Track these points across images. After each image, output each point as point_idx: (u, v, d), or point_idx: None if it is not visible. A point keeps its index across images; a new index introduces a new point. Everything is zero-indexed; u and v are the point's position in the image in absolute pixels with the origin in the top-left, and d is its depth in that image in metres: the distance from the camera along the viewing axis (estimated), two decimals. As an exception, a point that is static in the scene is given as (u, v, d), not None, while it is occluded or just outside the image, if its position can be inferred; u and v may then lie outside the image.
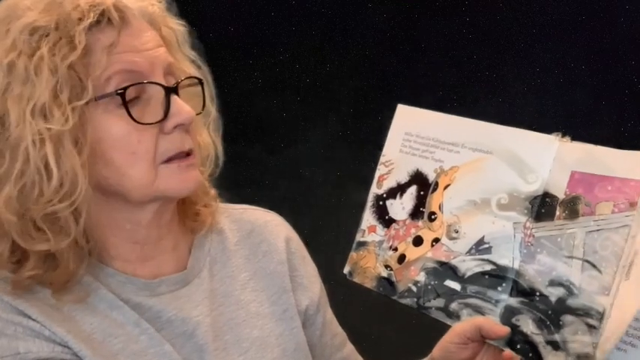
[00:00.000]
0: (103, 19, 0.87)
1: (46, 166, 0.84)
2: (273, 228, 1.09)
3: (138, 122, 0.88)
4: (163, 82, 0.90)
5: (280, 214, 1.15)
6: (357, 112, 2.27)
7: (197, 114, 0.94)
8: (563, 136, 0.90)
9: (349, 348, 1.16)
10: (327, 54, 2.25)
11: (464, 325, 0.94)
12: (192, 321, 0.95)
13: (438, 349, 0.97)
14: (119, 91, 0.87)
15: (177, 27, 0.96)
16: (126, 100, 0.87)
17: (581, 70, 2.10)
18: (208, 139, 0.99)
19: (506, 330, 0.91)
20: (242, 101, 2.28)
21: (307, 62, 2.26)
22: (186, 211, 1.02)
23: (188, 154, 0.92)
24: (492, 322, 0.93)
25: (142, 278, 0.95)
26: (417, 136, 1.01)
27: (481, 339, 0.94)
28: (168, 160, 0.91)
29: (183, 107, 0.91)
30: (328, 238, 2.19)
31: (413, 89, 2.21)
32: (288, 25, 2.24)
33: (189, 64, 0.96)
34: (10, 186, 0.85)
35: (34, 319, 0.87)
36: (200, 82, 0.96)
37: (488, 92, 2.12)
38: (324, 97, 2.27)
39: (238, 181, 2.21)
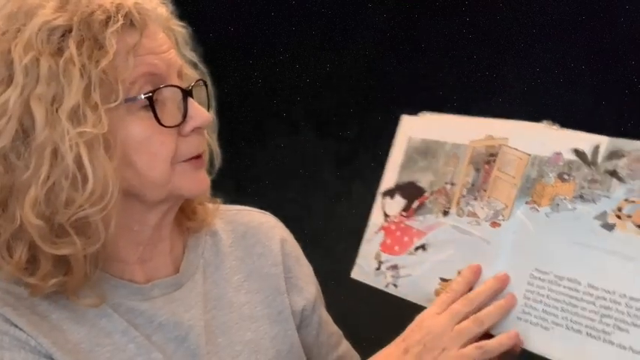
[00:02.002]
0: (126, 21, 0.87)
1: (80, 170, 0.83)
2: (268, 230, 1.09)
3: (163, 125, 0.88)
4: (180, 85, 0.91)
5: (281, 214, 1.15)
6: (358, 112, 2.27)
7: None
8: (553, 123, 0.94)
9: (345, 346, 1.16)
10: (327, 54, 2.25)
11: None
12: (184, 325, 0.95)
13: None
14: (147, 95, 0.87)
15: (178, 28, 0.96)
16: (153, 103, 0.87)
17: (581, 70, 2.10)
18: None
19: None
20: (242, 101, 2.27)
21: (307, 62, 2.26)
22: (183, 210, 1.02)
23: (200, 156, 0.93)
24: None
25: (137, 281, 0.95)
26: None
27: None
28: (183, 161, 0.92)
29: (200, 110, 0.92)
30: (329, 238, 2.18)
31: (413, 89, 2.21)
32: (288, 25, 2.24)
33: (188, 66, 0.96)
34: (37, 189, 0.83)
35: (20, 329, 0.86)
36: (205, 83, 0.97)
37: (488, 92, 2.12)
38: (324, 97, 2.27)
39: (238, 181, 2.21)
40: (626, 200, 0.88)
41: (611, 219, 0.88)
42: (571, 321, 0.89)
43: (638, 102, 2.06)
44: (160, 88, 0.88)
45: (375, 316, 1.86)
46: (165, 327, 0.94)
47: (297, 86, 2.27)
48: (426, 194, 1.04)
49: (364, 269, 1.08)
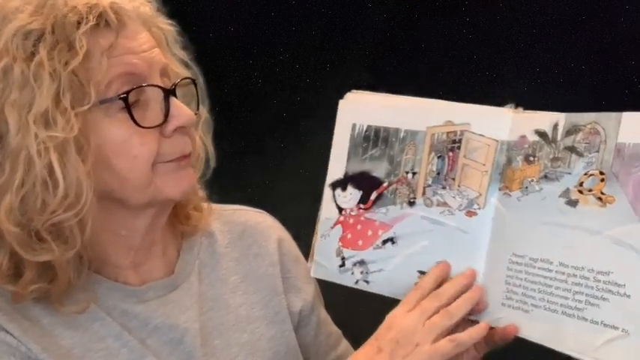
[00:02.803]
0: (100, 21, 0.85)
1: (51, 175, 0.82)
2: (264, 229, 1.08)
3: (140, 126, 0.87)
4: (161, 84, 0.89)
5: (281, 214, 1.14)
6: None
7: (196, 114, 0.94)
8: (516, 107, 0.95)
9: (344, 346, 1.16)
10: (327, 54, 2.25)
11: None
12: (180, 327, 0.94)
13: None
14: (122, 96, 0.86)
15: (166, 27, 0.95)
16: (129, 104, 0.86)
17: (581, 70, 2.09)
18: (199, 140, 0.98)
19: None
20: (242, 101, 2.27)
21: (307, 62, 2.26)
22: (177, 215, 1.01)
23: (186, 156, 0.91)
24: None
25: (131, 284, 0.94)
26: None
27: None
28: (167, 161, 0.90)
29: (183, 109, 0.89)
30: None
31: (413, 89, 2.21)
32: (288, 25, 2.24)
33: (178, 65, 0.95)
34: (12, 196, 0.83)
35: (11, 334, 0.85)
36: (194, 82, 0.95)
37: (488, 92, 2.12)
38: (324, 97, 2.26)
39: (238, 181, 2.21)
40: (585, 174, 0.89)
41: (574, 195, 0.90)
42: (548, 301, 0.90)
43: (638, 102, 2.06)
44: (135, 88, 0.87)
45: (374, 316, 1.86)
46: (160, 330, 0.93)
47: (297, 86, 2.27)
48: (385, 184, 1.01)
49: (325, 267, 1.05)
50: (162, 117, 0.89)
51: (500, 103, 0.98)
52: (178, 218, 1.01)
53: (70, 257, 0.86)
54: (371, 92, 1.05)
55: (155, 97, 0.89)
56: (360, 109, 1.05)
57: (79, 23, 0.84)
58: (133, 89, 0.87)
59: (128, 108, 0.86)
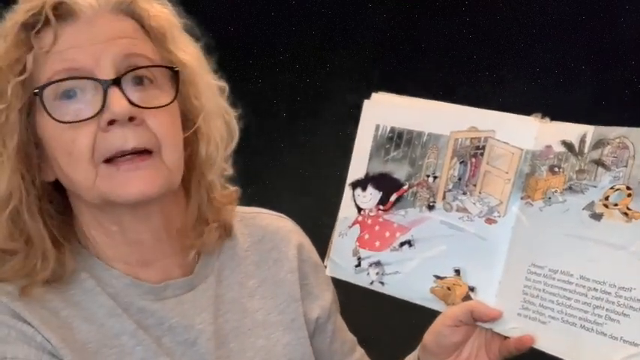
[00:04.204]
0: (40, 19, 0.86)
1: None
2: (285, 234, 1.07)
3: (57, 120, 0.85)
4: (105, 77, 0.85)
5: (283, 214, 1.14)
6: (358, 113, 2.27)
7: (164, 105, 0.89)
8: (543, 117, 0.94)
9: (359, 353, 1.14)
10: (327, 54, 2.25)
11: (455, 308, 0.95)
12: (194, 329, 0.93)
13: (429, 334, 0.98)
14: (35, 91, 0.85)
15: (160, 14, 0.92)
16: (43, 99, 0.85)
17: (581, 70, 2.09)
18: (212, 136, 0.97)
19: (498, 313, 0.93)
20: (241, 101, 2.27)
21: (307, 62, 2.26)
22: (194, 228, 0.99)
23: (142, 152, 0.86)
24: (484, 305, 0.94)
25: (148, 282, 0.94)
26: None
27: (473, 322, 0.95)
28: (109, 161, 0.86)
29: (116, 101, 0.84)
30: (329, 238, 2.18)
31: (413, 89, 2.21)
32: (288, 25, 2.24)
33: (177, 54, 0.91)
34: None
35: (28, 323, 0.86)
36: (174, 70, 0.91)
37: (488, 92, 2.12)
38: (324, 96, 2.26)
39: (239, 180, 2.20)
40: (611, 188, 0.88)
41: (599, 208, 0.89)
42: (566, 314, 0.90)
43: (638, 102, 2.06)
44: (51, 83, 0.85)
45: (376, 317, 1.86)
46: (176, 329, 0.92)
47: (297, 86, 2.27)
48: (405, 187, 1.01)
49: (341, 266, 1.04)
50: (98, 109, 0.85)
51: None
52: (187, 231, 0.99)
53: (39, 246, 0.89)
54: (396, 94, 1.04)
55: (95, 89, 0.85)
56: (384, 111, 1.04)
57: (19, 23, 0.86)
58: (49, 84, 0.85)
59: (42, 103, 0.85)
